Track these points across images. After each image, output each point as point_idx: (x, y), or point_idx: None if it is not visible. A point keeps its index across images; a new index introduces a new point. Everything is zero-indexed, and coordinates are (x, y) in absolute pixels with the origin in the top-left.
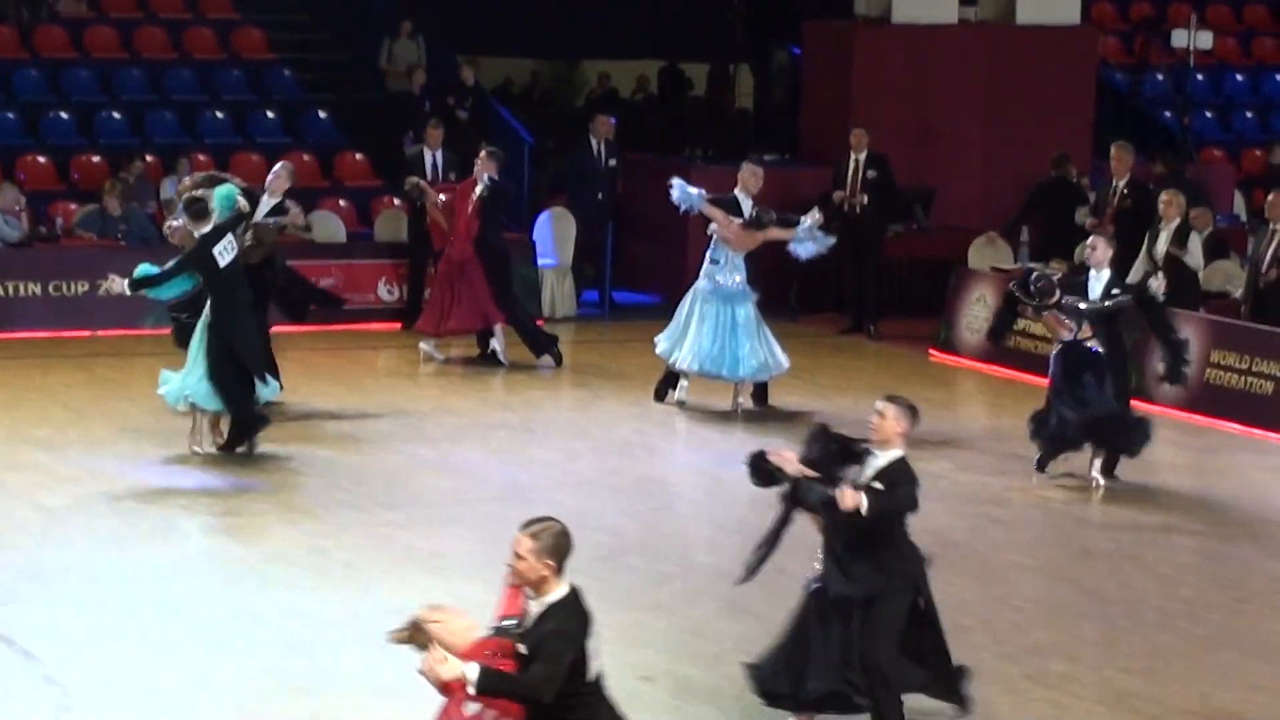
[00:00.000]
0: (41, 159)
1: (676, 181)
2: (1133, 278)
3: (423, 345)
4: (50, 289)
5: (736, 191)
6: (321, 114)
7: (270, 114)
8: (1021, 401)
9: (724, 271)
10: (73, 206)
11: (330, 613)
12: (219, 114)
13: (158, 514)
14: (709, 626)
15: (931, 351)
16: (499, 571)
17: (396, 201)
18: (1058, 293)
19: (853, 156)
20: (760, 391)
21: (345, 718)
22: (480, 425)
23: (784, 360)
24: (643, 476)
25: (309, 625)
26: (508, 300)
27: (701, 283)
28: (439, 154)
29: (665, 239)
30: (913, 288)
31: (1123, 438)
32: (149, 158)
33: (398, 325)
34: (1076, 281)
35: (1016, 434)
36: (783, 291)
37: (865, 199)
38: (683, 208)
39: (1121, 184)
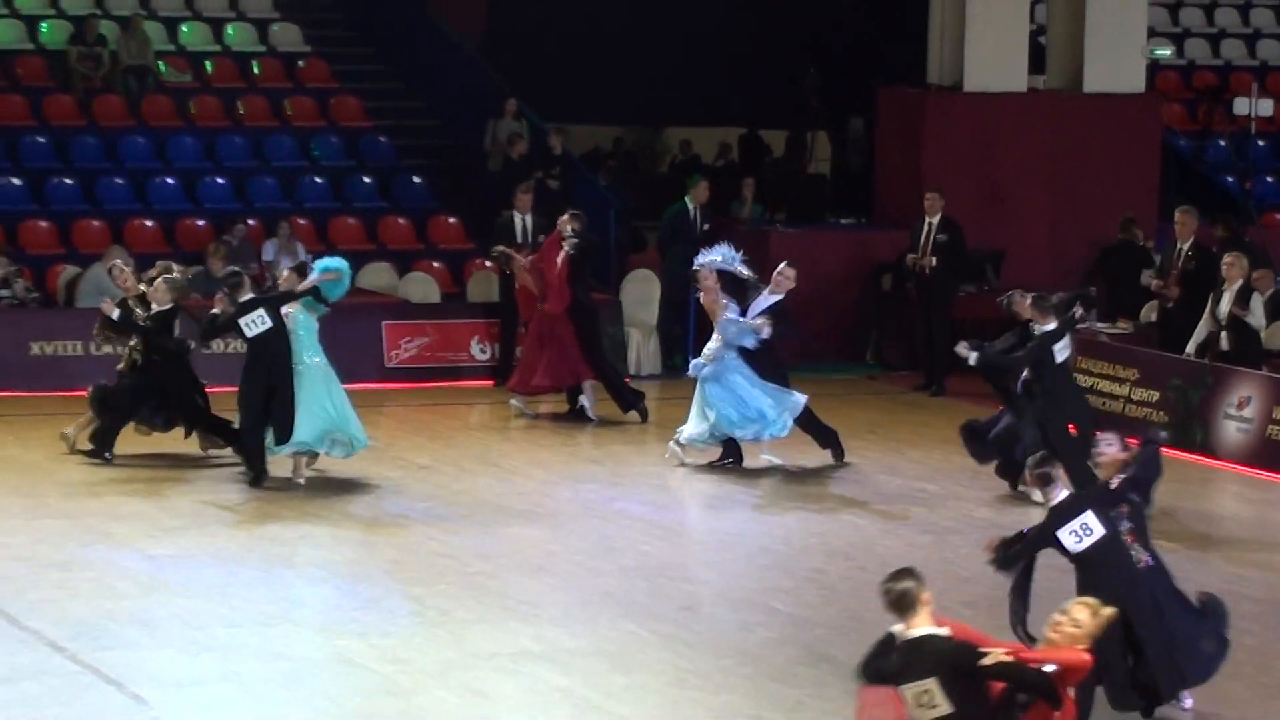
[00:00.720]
0: (148, 223)
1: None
2: (1197, 338)
3: (513, 401)
4: None
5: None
6: (416, 179)
7: (366, 179)
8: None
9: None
10: (177, 269)
11: (425, 659)
12: (318, 179)
13: (258, 562)
14: (790, 672)
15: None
16: (588, 617)
17: (488, 263)
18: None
19: (926, 220)
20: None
21: None
22: (569, 479)
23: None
24: (724, 529)
25: (405, 670)
26: (597, 357)
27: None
28: (529, 218)
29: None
30: None
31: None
32: (251, 221)
33: (490, 382)
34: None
35: None
36: (861, 349)
37: (934, 261)
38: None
39: (1186, 247)
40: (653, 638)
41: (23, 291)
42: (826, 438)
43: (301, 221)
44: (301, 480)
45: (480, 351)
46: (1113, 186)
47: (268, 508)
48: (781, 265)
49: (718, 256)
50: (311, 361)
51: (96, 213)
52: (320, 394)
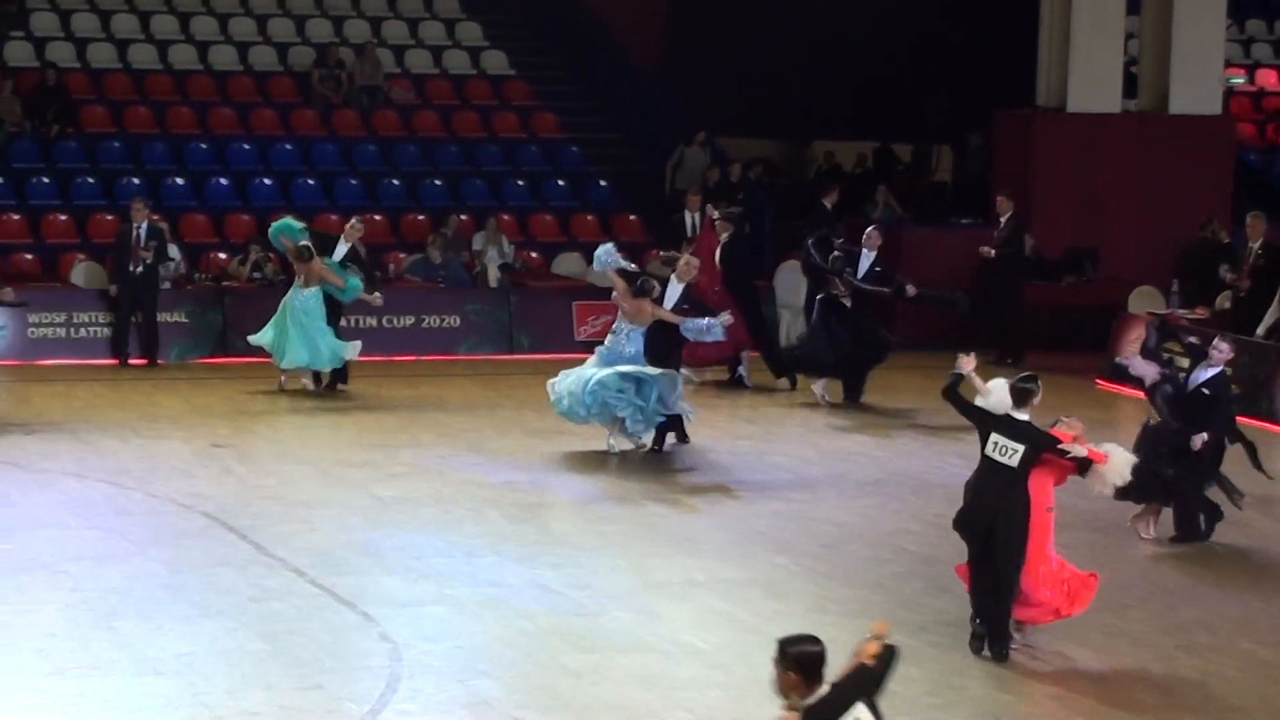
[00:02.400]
0: (378, 217)
1: (603, 247)
2: (1266, 323)
3: (682, 369)
4: (383, 322)
5: (672, 276)
6: (602, 182)
7: (560, 182)
8: None
9: (619, 339)
10: (402, 256)
11: (607, 585)
12: (519, 182)
13: (468, 502)
14: (915, 601)
15: (1098, 381)
16: (744, 552)
17: (661, 254)
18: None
19: (1001, 217)
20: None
21: (619, 670)
22: (729, 435)
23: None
24: (861, 479)
25: (591, 595)
26: (759, 331)
27: (601, 347)
28: (697, 216)
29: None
30: (1082, 328)
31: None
32: (463, 217)
33: None
34: (851, 254)
35: None
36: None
37: (993, 253)
38: (597, 268)
39: (1256, 246)
40: (799, 570)
41: (272, 274)
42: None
43: (506, 218)
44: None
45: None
46: (1192, 194)
47: (476, 459)
48: (686, 255)
49: (606, 260)
50: None
51: (333, 208)
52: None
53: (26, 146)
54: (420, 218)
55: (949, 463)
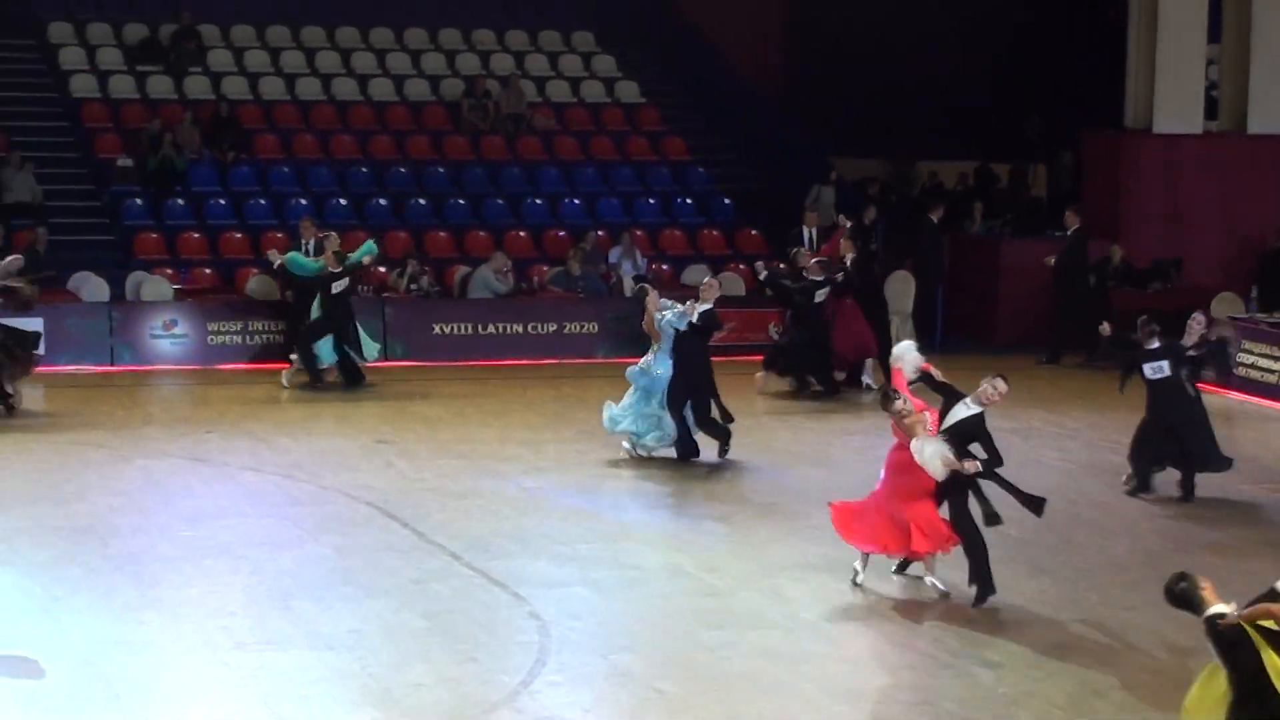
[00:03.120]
0: (522, 234)
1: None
2: None
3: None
4: (528, 329)
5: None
6: (726, 200)
7: (688, 200)
8: (1250, 420)
9: (648, 363)
10: (544, 268)
11: (735, 568)
12: (651, 201)
13: (610, 492)
14: (1016, 587)
15: None
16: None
17: (782, 266)
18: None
19: (1070, 229)
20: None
21: (748, 645)
22: (842, 432)
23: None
24: None
25: (720, 577)
26: (880, 336)
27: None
28: (814, 231)
29: (977, 295)
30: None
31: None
32: (600, 233)
33: None
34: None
35: (1245, 440)
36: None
37: (1052, 262)
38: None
39: None
40: None
41: (427, 285)
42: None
43: (639, 233)
44: None
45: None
46: (1269, 208)
47: (614, 454)
48: (707, 277)
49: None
50: None
51: (482, 226)
52: None
53: (205, 172)
54: (561, 234)
55: (1040, 458)
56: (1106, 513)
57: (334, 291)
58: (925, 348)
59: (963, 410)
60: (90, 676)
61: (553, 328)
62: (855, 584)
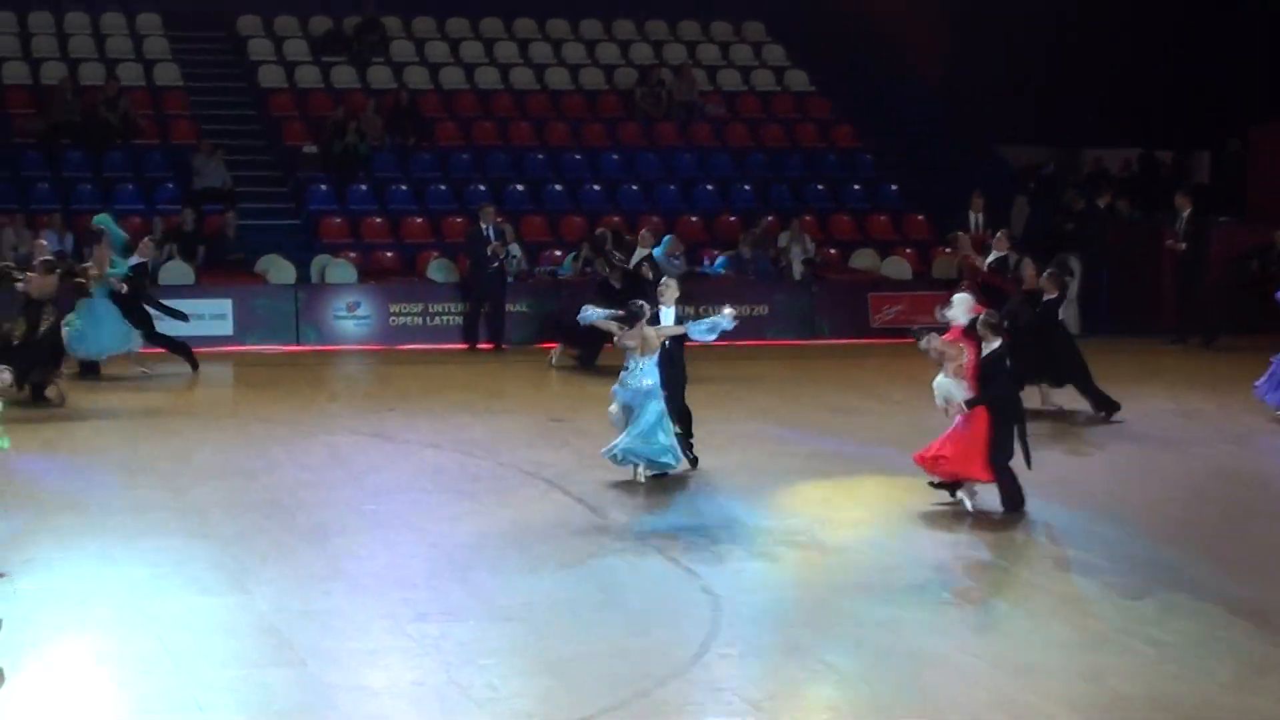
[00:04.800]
0: (693, 219)
1: (584, 311)
2: None
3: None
4: (699, 310)
5: (662, 304)
6: (893, 186)
7: (856, 187)
8: None
9: (634, 376)
10: (715, 252)
11: (904, 545)
12: (820, 186)
13: (778, 470)
14: (1182, 567)
15: None
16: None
17: (946, 250)
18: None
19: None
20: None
21: (916, 621)
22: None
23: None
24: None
25: (888, 553)
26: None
27: (616, 388)
28: (980, 216)
29: (1139, 276)
30: None
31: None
32: (770, 218)
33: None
34: None
35: None
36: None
37: (1182, 246)
38: (583, 322)
39: None
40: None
41: (601, 267)
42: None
43: (808, 218)
44: None
45: (940, 316)
46: None
47: (782, 430)
48: (666, 279)
49: (589, 315)
50: None
51: (654, 210)
52: None
53: (387, 158)
54: (732, 219)
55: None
56: (1270, 495)
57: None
58: (1090, 331)
59: (984, 350)
60: (278, 644)
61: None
62: (970, 510)
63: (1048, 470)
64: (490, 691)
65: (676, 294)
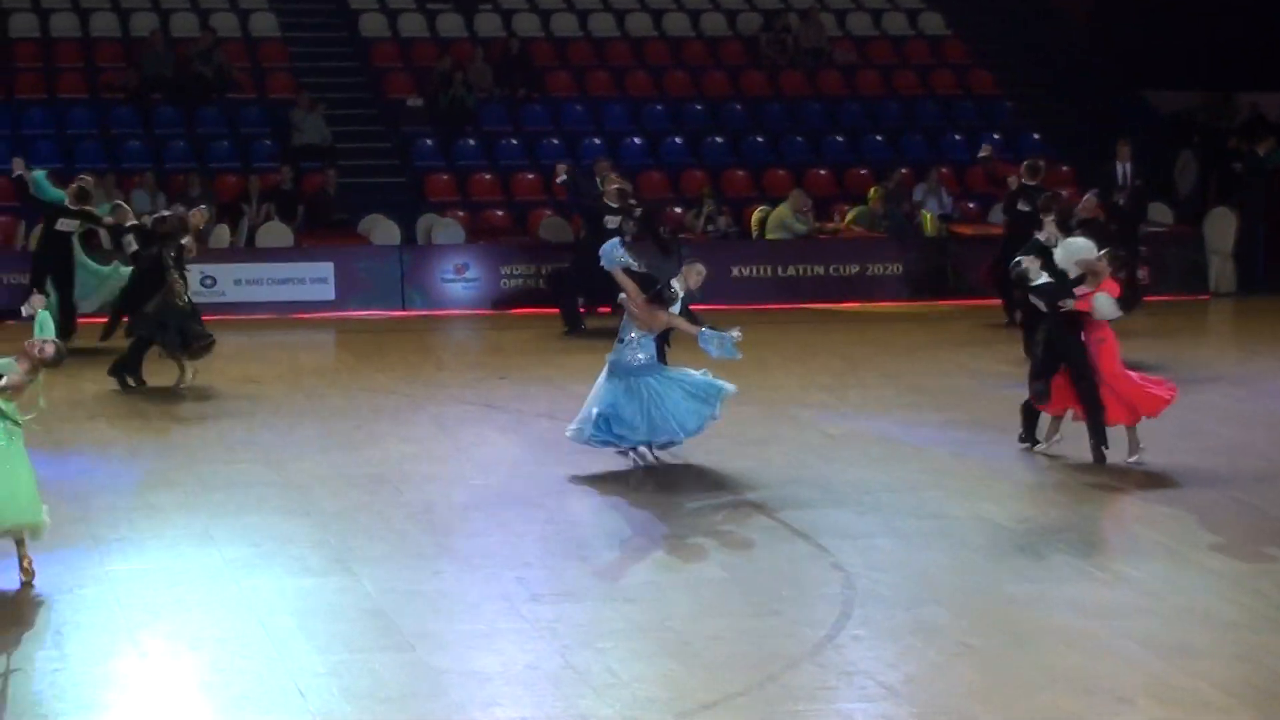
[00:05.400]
0: (822, 171)
1: (609, 242)
2: None
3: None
4: (829, 270)
5: (674, 281)
6: (1035, 136)
7: (996, 136)
8: None
9: (629, 350)
10: (846, 207)
11: (1045, 518)
12: (957, 136)
13: (911, 439)
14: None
15: None
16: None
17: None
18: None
19: None
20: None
21: (1060, 598)
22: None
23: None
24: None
25: (1029, 527)
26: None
27: (610, 355)
28: (1128, 165)
29: None
30: None
31: None
32: (904, 170)
33: None
34: None
35: None
36: None
37: None
38: (605, 264)
39: None
40: (1228, 502)
41: (725, 226)
42: None
43: (944, 170)
44: None
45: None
46: None
47: (918, 398)
48: (696, 265)
49: (614, 256)
50: None
51: (780, 164)
52: None
53: (496, 110)
54: (863, 171)
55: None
56: None
57: (60, 229)
58: (1246, 290)
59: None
60: (383, 627)
61: (855, 269)
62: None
63: (1198, 440)
64: (609, 676)
65: (701, 279)
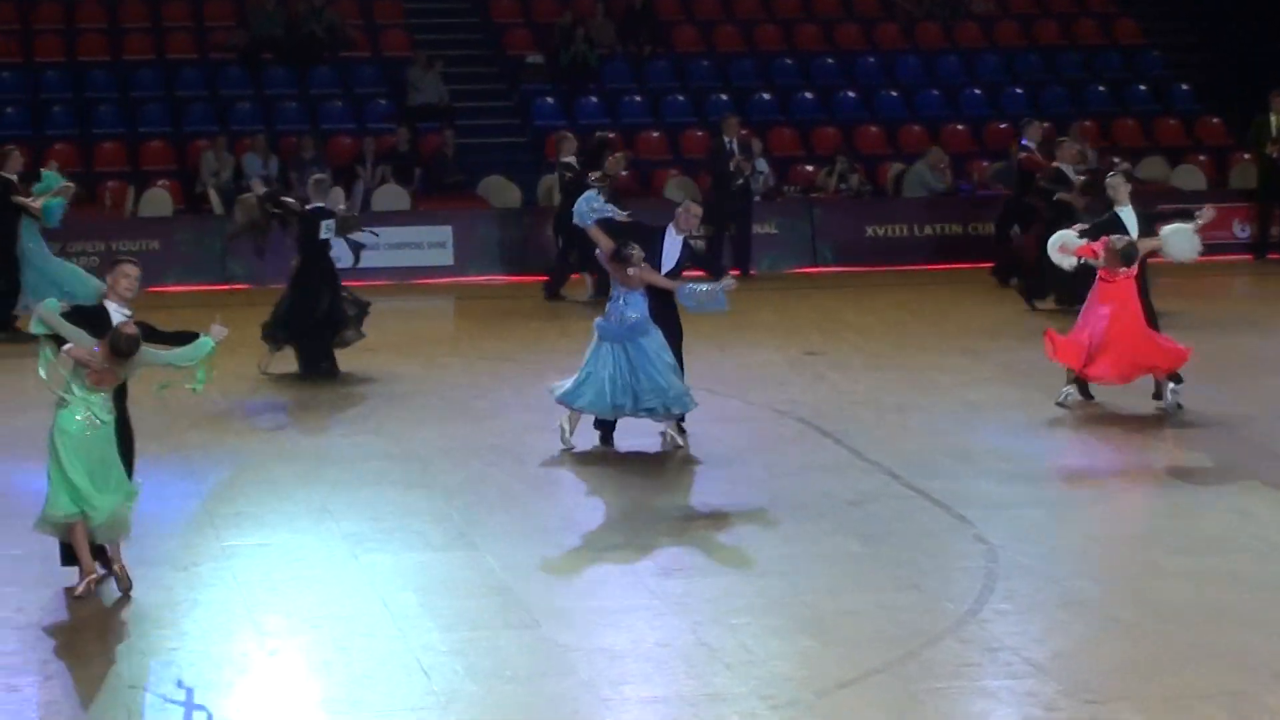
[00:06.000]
0: (959, 126)
1: (583, 196)
2: None
3: None
4: (968, 229)
5: (670, 226)
6: (1184, 86)
7: (1142, 87)
8: None
9: (618, 308)
10: (984, 163)
11: (1197, 487)
12: (1100, 88)
13: (1052, 406)
14: None
15: None
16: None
17: (1245, 156)
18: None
19: None
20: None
21: (1211, 570)
22: None
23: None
24: None
25: (1183, 494)
26: None
27: (599, 321)
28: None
29: None
30: None
31: None
32: (1045, 124)
33: (1249, 257)
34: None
35: None
36: None
37: None
38: (577, 221)
39: None
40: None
41: (858, 184)
42: None
43: (1086, 123)
44: None
45: (1240, 231)
46: None
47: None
48: (686, 202)
49: (586, 211)
50: None
51: (914, 119)
52: None
53: (619, 67)
54: (1002, 126)
55: None
56: None
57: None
58: None
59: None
60: (508, 603)
61: (990, 228)
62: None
63: None
64: (743, 653)
65: (695, 220)
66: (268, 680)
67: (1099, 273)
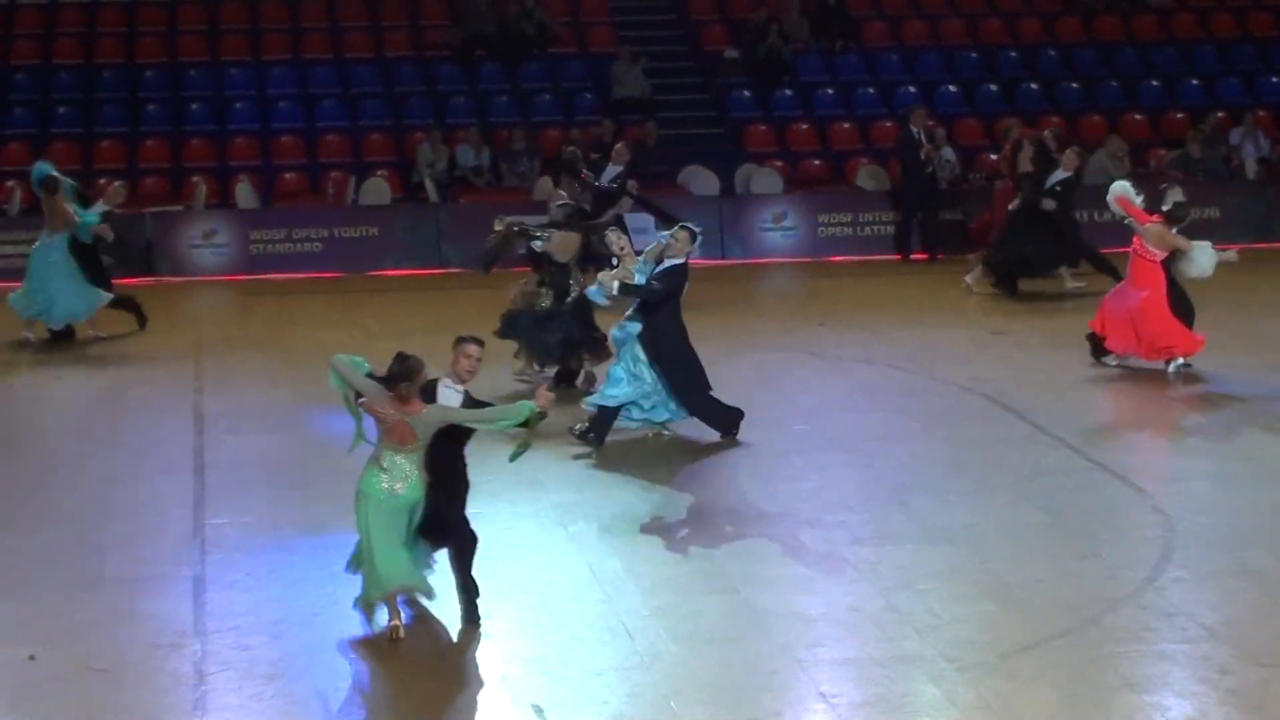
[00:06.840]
0: (1139, 117)
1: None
2: None
3: None
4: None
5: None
6: None
7: (1275, 79)
8: None
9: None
10: (1162, 152)
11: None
12: (1274, 79)
13: (1234, 379)
14: None
15: None
16: None
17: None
18: None
19: None
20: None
21: None
22: None
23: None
24: None
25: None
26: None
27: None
28: None
29: None
30: None
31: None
32: (1220, 114)
33: None
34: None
35: None
36: None
37: None
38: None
39: None
40: None
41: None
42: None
43: (1262, 113)
44: None
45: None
46: None
47: (1241, 340)
48: (675, 228)
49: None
50: None
51: (1094, 109)
52: None
53: (813, 61)
54: (1179, 116)
55: None
56: None
57: None
58: None
59: None
60: (708, 570)
61: None
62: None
63: None
64: (931, 618)
65: (689, 246)
66: (483, 640)
67: (1135, 246)
